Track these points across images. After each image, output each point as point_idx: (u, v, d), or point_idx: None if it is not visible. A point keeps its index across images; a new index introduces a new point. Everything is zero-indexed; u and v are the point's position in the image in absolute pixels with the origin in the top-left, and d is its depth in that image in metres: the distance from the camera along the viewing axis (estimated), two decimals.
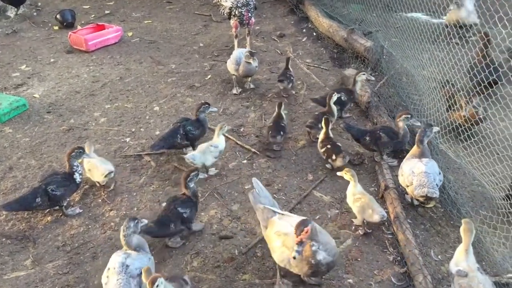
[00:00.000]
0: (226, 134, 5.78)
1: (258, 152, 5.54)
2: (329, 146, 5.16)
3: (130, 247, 3.59)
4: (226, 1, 7.72)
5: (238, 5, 7.51)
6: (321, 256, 3.36)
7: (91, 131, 6.07)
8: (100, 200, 4.90)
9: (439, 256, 4.11)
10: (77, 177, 4.73)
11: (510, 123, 5.43)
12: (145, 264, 3.45)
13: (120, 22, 9.80)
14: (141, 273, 3.33)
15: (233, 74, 6.85)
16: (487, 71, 5.84)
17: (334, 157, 5.13)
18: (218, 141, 5.17)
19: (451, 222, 4.44)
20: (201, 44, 8.56)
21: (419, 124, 4.97)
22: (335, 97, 5.62)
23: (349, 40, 7.60)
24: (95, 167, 4.95)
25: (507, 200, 4.41)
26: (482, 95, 5.99)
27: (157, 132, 5.97)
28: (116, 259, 3.50)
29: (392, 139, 5.03)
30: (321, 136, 5.30)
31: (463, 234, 3.53)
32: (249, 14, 7.56)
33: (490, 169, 4.83)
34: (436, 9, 9.23)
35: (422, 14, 9.56)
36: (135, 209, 4.76)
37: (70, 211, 4.74)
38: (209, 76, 7.37)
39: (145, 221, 3.82)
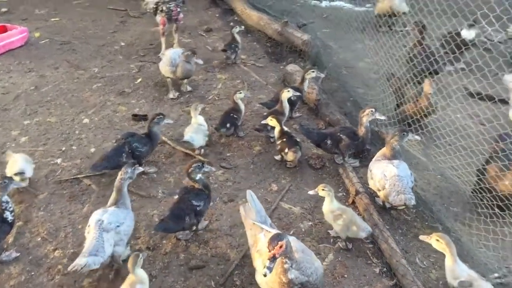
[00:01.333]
0: (169, 142, 5.30)
1: (211, 165, 5.07)
2: (284, 140, 4.93)
3: (120, 192, 3.83)
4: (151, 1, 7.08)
5: (166, 0, 6.89)
6: (293, 275, 3.02)
7: None
8: (39, 239, 4.16)
9: (424, 263, 3.98)
10: (8, 216, 3.95)
11: (453, 111, 5.53)
12: (121, 219, 3.71)
13: (22, 21, 8.64)
14: (116, 226, 3.64)
15: (168, 77, 6.26)
16: (427, 62, 5.87)
17: (286, 150, 4.90)
18: (201, 119, 5.27)
19: (426, 223, 4.34)
20: (122, 43, 7.79)
21: (384, 118, 4.80)
22: (288, 93, 5.29)
23: (284, 33, 7.32)
24: (14, 162, 4.63)
25: (475, 196, 4.42)
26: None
27: (93, 149, 5.26)
28: (94, 216, 3.72)
29: (354, 140, 4.82)
30: (276, 133, 5.01)
31: (445, 249, 3.44)
32: (178, 9, 6.98)
33: (446, 158, 4.84)
34: None
35: (345, 3, 9.56)
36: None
37: (5, 256, 3.96)
38: (139, 80, 6.70)
39: (141, 169, 4.06)
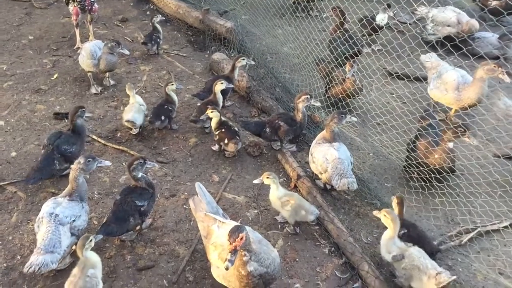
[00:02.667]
0: (98, 139, 5.01)
1: (147, 160, 4.88)
2: (223, 130, 4.88)
3: (75, 183, 3.67)
4: None
5: None
6: (252, 267, 3.03)
7: None
8: None
9: (368, 238, 4.15)
10: None
11: (377, 94, 5.80)
12: (77, 213, 3.60)
13: None
14: (72, 221, 3.53)
15: (89, 71, 5.90)
16: (347, 44, 6.09)
17: (226, 141, 4.85)
18: (139, 99, 5.37)
19: (365, 201, 4.52)
20: (30, 37, 7.19)
21: (319, 104, 4.90)
22: (222, 85, 5.22)
23: (206, 21, 7.17)
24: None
25: (407, 171, 4.67)
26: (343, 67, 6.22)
27: (13, 153, 4.84)
28: (45, 209, 3.57)
29: (292, 126, 4.87)
30: (214, 123, 4.93)
31: (389, 223, 3.60)
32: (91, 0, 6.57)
33: (377, 137, 5.08)
34: None
35: None
36: (19, 257, 3.78)
37: None
38: (55, 76, 6.23)
39: (107, 162, 3.91)
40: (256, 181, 4.15)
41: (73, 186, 3.67)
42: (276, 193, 4.11)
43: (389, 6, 6.98)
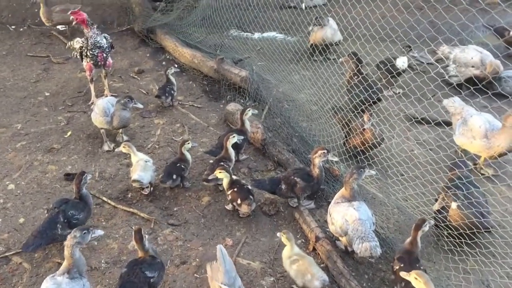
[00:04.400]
0: (108, 200, 4.84)
1: (158, 221, 4.68)
2: (235, 189, 4.64)
3: (71, 259, 3.42)
4: (76, 41, 6.62)
5: (89, 46, 6.44)
6: None
7: None
8: None
9: None
10: None
11: (398, 140, 5.50)
12: None
13: None
14: None
15: (101, 128, 5.81)
16: (366, 94, 5.87)
17: (239, 201, 4.60)
18: (142, 155, 5.17)
19: (391, 264, 4.16)
20: (46, 94, 7.20)
21: (336, 159, 4.63)
22: (233, 139, 5.04)
23: (220, 70, 7.07)
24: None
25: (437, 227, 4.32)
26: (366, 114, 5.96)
27: (22, 220, 4.70)
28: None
29: (309, 182, 4.61)
30: (225, 183, 4.70)
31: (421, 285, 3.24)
32: (104, 55, 6.54)
33: (400, 188, 4.74)
34: (289, 28, 9.27)
35: (277, 33, 9.51)
36: None
37: None
38: (69, 133, 6.16)
39: (99, 232, 3.67)
40: (278, 234, 3.95)
41: (70, 263, 3.42)
42: (288, 251, 3.86)
43: (409, 47, 6.76)
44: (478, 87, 4.30)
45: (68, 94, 7.18)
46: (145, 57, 8.47)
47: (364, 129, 5.33)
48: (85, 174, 4.40)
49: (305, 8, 9.82)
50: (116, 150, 5.23)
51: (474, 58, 6.54)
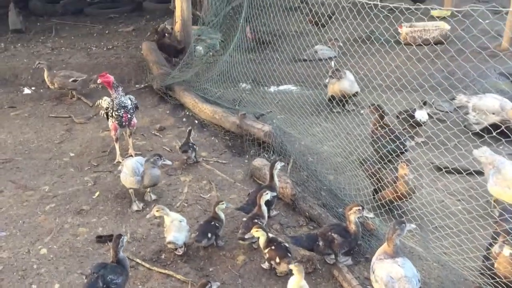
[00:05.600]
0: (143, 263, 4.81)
1: (195, 283, 4.61)
2: (273, 248, 4.59)
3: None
4: (104, 100, 6.80)
5: (115, 107, 6.59)
6: None
7: None
8: None
9: None
10: None
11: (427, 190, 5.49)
12: None
13: None
14: None
15: (130, 188, 5.83)
16: (393, 145, 5.94)
17: (278, 260, 4.56)
18: (175, 215, 5.09)
19: None
20: (71, 154, 7.28)
21: (372, 215, 4.63)
22: (267, 196, 5.06)
23: (243, 126, 7.16)
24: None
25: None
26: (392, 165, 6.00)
27: (57, 286, 4.64)
28: None
29: (347, 238, 4.57)
30: (262, 242, 4.66)
31: None
32: (129, 115, 6.68)
33: (437, 244, 4.69)
34: (304, 80, 9.47)
35: (292, 86, 9.70)
36: None
37: None
38: (97, 194, 6.18)
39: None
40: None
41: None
42: (297, 282, 4.02)
43: (425, 103, 6.85)
44: (501, 133, 4.36)
45: (93, 154, 7.25)
46: (165, 114, 8.62)
47: (395, 179, 5.33)
48: (122, 237, 4.38)
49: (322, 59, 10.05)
50: (147, 216, 5.22)
51: (494, 105, 6.62)
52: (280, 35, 10.63)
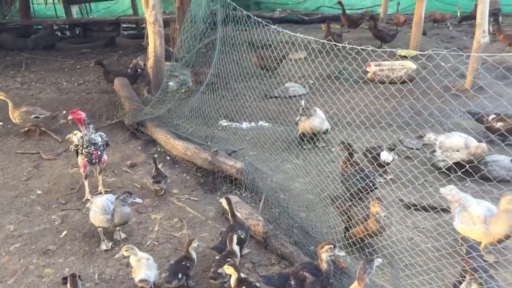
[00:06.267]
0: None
1: None
2: None
3: None
4: (75, 134, 6.74)
5: (84, 144, 6.52)
6: None
7: None
8: None
9: None
10: None
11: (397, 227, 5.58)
12: None
13: None
14: None
15: (99, 226, 5.71)
16: (364, 183, 6.04)
17: None
18: (142, 253, 5.06)
19: None
20: (39, 192, 7.10)
21: (343, 254, 4.65)
22: (235, 238, 5.06)
23: (216, 162, 7.17)
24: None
25: None
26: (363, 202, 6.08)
27: None
28: None
29: (318, 277, 4.56)
30: (233, 281, 4.61)
31: None
32: (99, 153, 6.61)
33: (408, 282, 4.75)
34: (276, 117, 9.63)
35: (264, 122, 9.80)
36: None
37: None
38: (64, 233, 6.02)
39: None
40: None
41: None
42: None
43: (392, 149, 7.00)
44: (466, 171, 4.51)
45: (61, 191, 7.10)
46: (136, 150, 8.55)
47: (365, 217, 5.40)
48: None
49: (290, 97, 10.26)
50: (116, 256, 5.12)
51: (459, 143, 6.83)
52: (253, 73, 10.81)
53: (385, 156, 6.92)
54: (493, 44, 13.08)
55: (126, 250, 4.97)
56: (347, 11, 16.81)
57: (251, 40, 9.94)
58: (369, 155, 7.03)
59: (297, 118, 8.53)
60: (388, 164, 6.95)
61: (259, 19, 6.82)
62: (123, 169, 7.82)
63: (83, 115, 6.47)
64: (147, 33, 10.92)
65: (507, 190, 4.98)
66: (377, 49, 4.95)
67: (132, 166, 7.90)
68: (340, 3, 16.34)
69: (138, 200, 5.88)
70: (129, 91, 10.41)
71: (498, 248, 4.99)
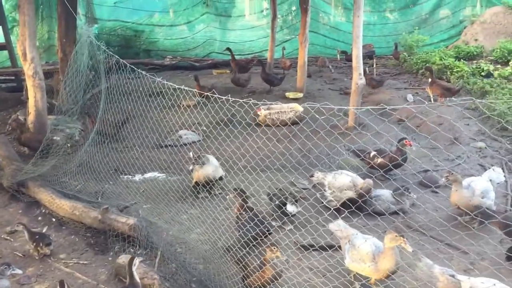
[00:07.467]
0: None
1: None
2: None
3: None
4: None
5: None
6: None
7: None
8: None
9: None
10: None
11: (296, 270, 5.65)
12: None
13: None
14: None
15: None
16: (258, 229, 6.08)
17: None
18: None
19: None
20: None
21: None
22: None
23: (106, 220, 6.77)
24: None
25: None
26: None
27: None
28: None
29: None
30: None
31: None
32: None
33: None
34: (168, 166, 9.46)
35: (158, 173, 9.57)
36: None
37: None
38: None
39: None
40: None
41: None
42: None
43: (296, 201, 7.09)
44: (352, 210, 4.72)
45: None
46: (17, 214, 7.83)
47: (261, 265, 5.38)
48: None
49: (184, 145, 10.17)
50: None
51: (346, 182, 7.16)
52: (142, 121, 10.57)
53: (291, 209, 6.91)
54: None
55: None
56: (236, 57, 17.30)
57: (139, 89, 9.79)
58: (276, 200, 7.02)
59: (190, 168, 8.44)
60: (294, 215, 6.96)
61: (143, 72, 6.75)
62: (2, 236, 7.10)
63: None
64: (26, 87, 10.28)
65: (392, 226, 5.29)
66: (258, 102, 5.10)
67: (12, 232, 7.18)
68: (228, 49, 16.84)
69: (18, 271, 5.35)
70: (7, 150, 9.62)
71: (388, 282, 5.22)
